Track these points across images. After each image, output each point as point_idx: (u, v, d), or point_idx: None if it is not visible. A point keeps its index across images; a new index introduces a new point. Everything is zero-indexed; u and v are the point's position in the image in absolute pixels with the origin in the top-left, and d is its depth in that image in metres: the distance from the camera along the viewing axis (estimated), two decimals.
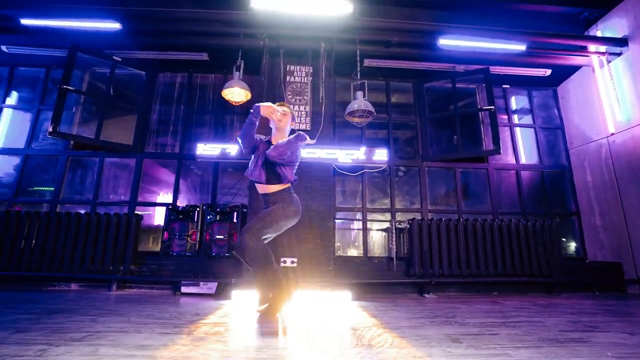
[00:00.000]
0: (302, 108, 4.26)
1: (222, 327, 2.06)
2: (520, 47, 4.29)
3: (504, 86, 5.32)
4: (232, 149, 4.06)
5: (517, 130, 5.26)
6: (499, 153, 4.47)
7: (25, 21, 3.91)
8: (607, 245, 4.42)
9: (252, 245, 2.06)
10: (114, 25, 4.02)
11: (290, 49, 4.34)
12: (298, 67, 4.42)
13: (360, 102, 3.89)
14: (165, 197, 5.03)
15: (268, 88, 4.27)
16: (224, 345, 1.65)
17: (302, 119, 4.22)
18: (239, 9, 4.12)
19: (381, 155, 4.16)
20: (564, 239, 4.86)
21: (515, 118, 5.39)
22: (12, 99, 5.07)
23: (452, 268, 3.93)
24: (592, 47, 4.49)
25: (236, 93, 4.05)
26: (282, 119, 2.33)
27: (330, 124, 4.30)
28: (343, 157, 4.04)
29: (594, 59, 4.55)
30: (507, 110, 5.29)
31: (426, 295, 3.82)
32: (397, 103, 5.28)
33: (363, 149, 4.14)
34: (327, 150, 4.03)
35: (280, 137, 2.35)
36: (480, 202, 4.94)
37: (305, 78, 4.38)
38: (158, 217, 5.04)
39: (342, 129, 4.92)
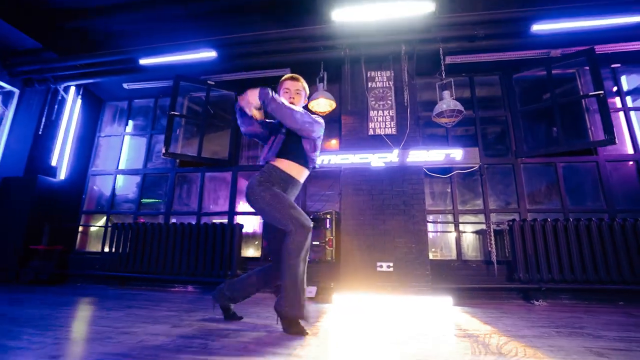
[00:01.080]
0: (386, 113, 4.28)
1: (339, 327, 2.17)
2: (636, 19, 3.74)
3: (612, 66, 4.68)
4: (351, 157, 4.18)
5: (633, 115, 4.57)
6: (614, 143, 3.93)
7: (143, 61, 4.60)
8: None
9: None
10: (210, 54, 4.51)
11: (370, 55, 4.40)
12: (379, 73, 4.46)
13: (448, 101, 3.78)
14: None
15: (351, 95, 4.38)
16: (352, 344, 1.74)
17: (387, 123, 4.24)
18: (319, 23, 4.31)
19: (474, 155, 3.97)
20: None
21: (630, 102, 4.70)
22: (129, 126, 5.97)
23: (563, 273, 3.57)
24: None
25: (322, 104, 4.23)
26: (295, 99, 2.15)
27: (416, 126, 4.24)
28: (433, 157, 3.95)
29: None
30: (620, 94, 4.63)
31: (535, 302, 3.53)
32: (483, 98, 4.98)
33: (454, 150, 3.99)
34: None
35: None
36: (591, 199, 4.40)
37: (387, 83, 4.40)
38: (248, 224, 5.46)
39: (425, 128, 4.81)
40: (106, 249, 5.05)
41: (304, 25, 4.39)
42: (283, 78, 2.20)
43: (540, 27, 3.86)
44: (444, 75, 4.16)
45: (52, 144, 5.12)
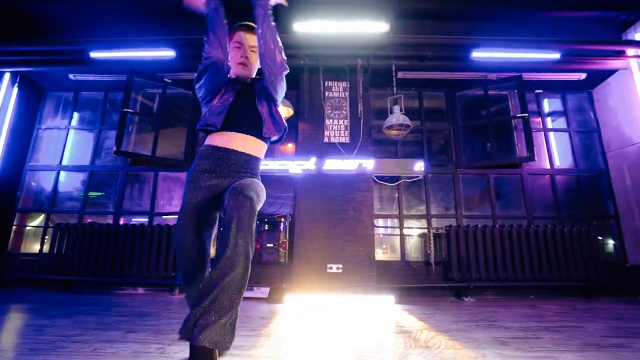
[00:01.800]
0: (341, 122, 4.53)
1: (290, 327, 2.36)
2: (554, 56, 4.36)
3: (536, 91, 5.37)
4: (270, 163, 4.37)
5: (551, 134, 5.29)
6: (533, 160, 4.56)
7: (94, 54, 4.39)
8: None
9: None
10: (169, 53, 4.43)
11: (328, 66, 4.61)
12: (336, 83, 4.69)
13: (397, 116, 4.12)
14: None
15: (309, 104, 4.56)
16: (303, 342, 1.94)
17: (341, 132, 4.49)
18: (281, 32, 4.41)
19: (417, 166, 4.36)
20: (601, 243, 4.87)
21: (549, 122, 5.42)
22: (75, 120, 5.61)
23: (489, 272, 4.09)
24: (630, 50, 4.49)
25: (280, 110, 4.36)
26: (250, 58, 1.60)
27: (367, 136, 4.54)
28: (378, 168, 4.28)
29: (633, 62, 4.54)
30: (541, 115, 5.33)
31: (464, 299, 4.01)
32: (430, 110, 5.43)
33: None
34: (363, 161, 4.27)
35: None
36: (515, 207, 5.03)
37: (343, 93, 4.65)
38: None
39: (378, 138, 5.14)
40: (45, 250, 4.77)
41: None
42: (233, 28, 1.61)
43: (478, 54, 4.34)
44: (395, 90, 4.50)
45: None
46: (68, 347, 1.77)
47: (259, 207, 1.34)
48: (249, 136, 1.48)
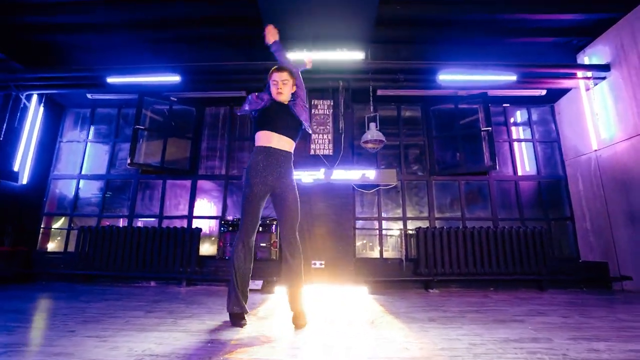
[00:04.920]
0: (325, 136, 5.17)
1: (276, 310, 3.02)
2: (512, 78, 4.96)
3: (504, 105, 5.97)
4: None
5: (516, 144, 5.89)
6: (495, 169, 5.18)
7: (110, 79, 5.06)
8: (596, 247, 5.02)
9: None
10: (174, 78, 5.10)
11: (314, 87, 5.24)
12: (321, 101, 5.33)
13: (373, 132, 4.75)
14: (201, 202, 6.12)
15: None
16: (280, 321, 2.59)
17: (325, 145, 5.13)
18: (274, 60, 5.06)
19: (392, 175, 5.00)
20: (561, 241, 5.48)
21: (520, 131, 6.02)
22: (91, 133, 6.30)
23: (452, 268, 4.72)
24: (579, 73, 5.07)
25: None
26: (283, 94, 2.51)
27: (350, 148, 5.18)
28: (358, 177, 4.92)
29: (582, 83, 5.13)
30: (507, 127, 5.94)
31: (430, 291, 4.64)
32: (408, 120, 6.04)
33: (375, 171, 4.97)
34: (347, 172, 4.91)
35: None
36: (483, 210, 5.65)
37: (327, 110, 5.29)
38: (200, 223, 6.10)
39: (360, 149, 5.77)
40: (69, 249, 5.48)
41: (260, 59, 5.13)
42: (271, 70, 2.56)
43: (444, 77, 4.96)
44: (372, 109, 5.14)
45: (15, 150, 5.39)
46: (107, 320, 2.44)
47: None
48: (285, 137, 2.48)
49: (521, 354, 1.74)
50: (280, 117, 2.47)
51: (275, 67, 2.57)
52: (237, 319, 2.34)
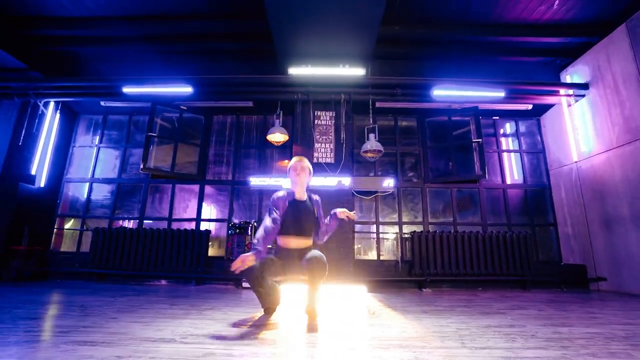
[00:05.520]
0: (327, 145, 5.54)
1: (283, 306, 3.35)
2: (500, 94, 5.39)
3: (493, 118, 6.40)
4: (268, 180, 5.38)
5: (505, 155, 6.32)
6: (485, 178, 5.59)
7: (125, 89, 5.39)
8: (577, 250, 5.44)
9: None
10: (187, 89, 5.44)
11: (317, 99, 5.62)
12: (324, 113, 5.71)
13: (372, 143, 5.13)
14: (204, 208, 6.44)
15: (301, 130, 5.58)
16: (296, 312, 2.93)
17: (327, 154, 5.50)
18: (279, 73, 5.46)
19: (389, 182, 5.38)
20: (544, 245, 5.89)
21: (509, 142, 6.45)
22: (103, 139, 6.60)
23: (444, 269, 5.09)
24: (562, 90, 5.52)
25: (278, 137, 5.38)
26: (300, 176, 2.78)
27: (350, 157, 5.55)
28: (359, 184, 5.29)
29: (564, 100, 5.58)
30: (497, 138, 6.37)
31: (423, 290, 5.01)
32: (405, 129, 6.44)
33: (376, 178, 5.35)
34: (347, 179, 5.28)
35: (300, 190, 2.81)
36: (474, 215, 6.05)
37: (330, 121, 5.66)
38: (203, 225, 6.42)
39: (359, 157, 6.16)
40: (82, 250, 5.76)
41: (268, 73, 5.51)
42: (292, 161, 2.86)
43: (438, 93, 5.37)
44: (372, 120, 5.52)
45: (32, 154, 5.68)
46: (138, 311, 2.76)
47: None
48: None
49: (499, 335, 2.11)
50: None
51: (295, 158, 2.91)
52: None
